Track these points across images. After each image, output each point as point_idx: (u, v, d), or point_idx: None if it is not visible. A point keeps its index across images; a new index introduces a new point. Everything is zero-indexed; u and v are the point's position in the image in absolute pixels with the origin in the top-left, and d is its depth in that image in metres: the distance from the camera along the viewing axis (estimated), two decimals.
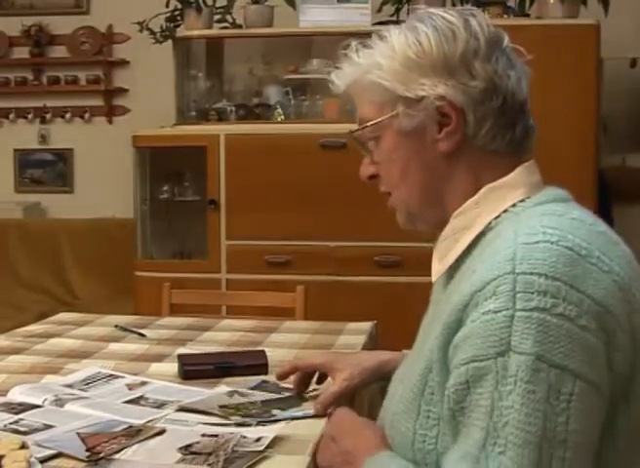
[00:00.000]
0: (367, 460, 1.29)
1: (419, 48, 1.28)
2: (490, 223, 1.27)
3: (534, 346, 1.07)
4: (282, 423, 1.63)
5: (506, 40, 1.32)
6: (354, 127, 1.39)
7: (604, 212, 4.46)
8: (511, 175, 1.29)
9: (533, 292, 1.09)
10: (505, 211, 1.27)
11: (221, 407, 1.71)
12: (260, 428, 1.60)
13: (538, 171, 1.33)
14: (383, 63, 1.30)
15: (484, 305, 1.12)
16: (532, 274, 1.10)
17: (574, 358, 1.07)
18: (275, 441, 1.52)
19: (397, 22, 4.25)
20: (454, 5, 4.32)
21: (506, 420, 1.06)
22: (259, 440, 1.51)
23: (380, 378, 1.66)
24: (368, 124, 1.34)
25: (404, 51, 1.29)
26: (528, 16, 4.27)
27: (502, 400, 1.07)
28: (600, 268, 1.13)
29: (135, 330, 2.47)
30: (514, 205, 1.27)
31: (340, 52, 1.37)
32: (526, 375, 1.06)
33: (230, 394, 1.80)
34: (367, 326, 2.54)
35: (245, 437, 1.53)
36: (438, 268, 1.35)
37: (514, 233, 1.17)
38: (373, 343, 2.43)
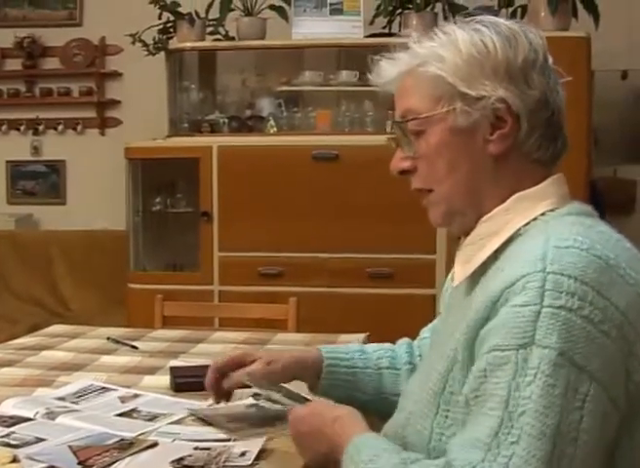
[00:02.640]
0: (350, 443, 1.27)
1: (483, 48, 1.29)
2: (519, 230, 1.28)
3: (558, 342, 1.09)
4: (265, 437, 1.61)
5: (551, 59, 1.34)
6: (398, 118, 1.37)
7: None
8: (543, 184, 1.31)
9: (561, 292, 1.11)
10: (535, 219, 1.28)
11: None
12: (243, 442, 1.59)
13: (565, 183, 1.35)
14: (446, 57, 1.30)
15: (513, 300, 1.14)
16: (562, 275, 1.12)
17: (592, 360, 1.09)
18: (265, 453, 1.52)
19: (389, 35, 4.28)
20: (445, 19, 4.33)
21: (523, 410, 1.07)
22: (243, 454, 1.51)
23: (300, 371, 1.67)
24: (420, 116, 1.32)
25: (468, 48, 1.29)
26: None
27: (520, 390, 1.08)
28: (626, 280, 1.16)
29: (127, 342, 2.47)
30: (543, 214, 1.29)
31: (397, 41, 1.37)
32: (548, 369, 1.08)
33: (250, 407, 1.79)
34: (359, 337, 2.53)
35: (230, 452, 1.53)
36: (461, 273, 1.35)
37: (545, 237, 1.19)
38: None
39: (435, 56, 1.31)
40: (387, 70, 1.37)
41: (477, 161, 1.31)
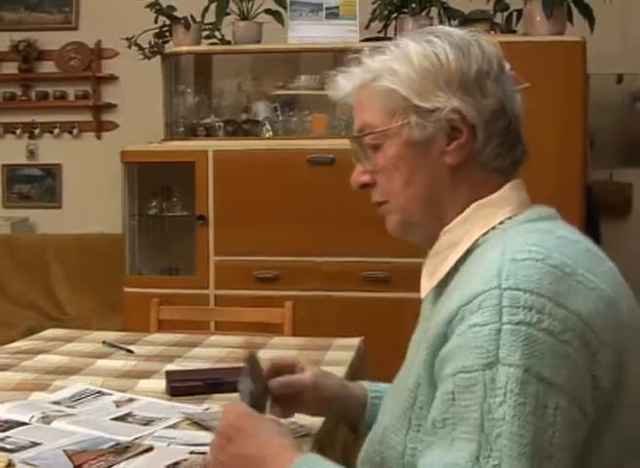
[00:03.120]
0: (294, 463, 1.22)
1: (435, 60, 1.29)
2: (477, 240, 1.28)
3: (522, 359, 1.08)
4: None
5: (508, 66, 1.34)
6: (354, 133, 1.37)
7: (591, 227, 4.49)
8: (499, 192, 1.31)
9: (519, 307, 1.10)
10: (493, 228, 1.28)
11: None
12: None
13: (525, 189, 1.34)
14: (399, 70, 1.30)
15: (470, 319, 1.12)
16: (518, 290, 1.11)
17: (558, 373, 1.08)
18: None
19: (385, 39, 4.28)
20: (441, 22, 4.34)
21: (499, 432, 1.06)
22: None
23: (344, 398, 1.61)
24: (376, 130, 1.33)
25: (421, 61, 1.29)
26: (515, 32, 4.30)
27: (492, 412, 1.07)
28: (585, 286, 1.14)
29: (123, 346, 2.47)
30: (502, 222, 1.28)
31: (349, 56, 1.36)
32: (516, 388, 1.07)
33: None
34: (355, 341, 2.54)
35: None
36: (427, 285, 1.35)
37: (501, 250, 1.18)
38: (360, 359, 2.44)
39: (388, 69, 1.31)
40: (343, 85, 1.37)
41: (434, 172, 1.31)
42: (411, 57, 1.30)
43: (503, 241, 1.21)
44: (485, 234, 1.28)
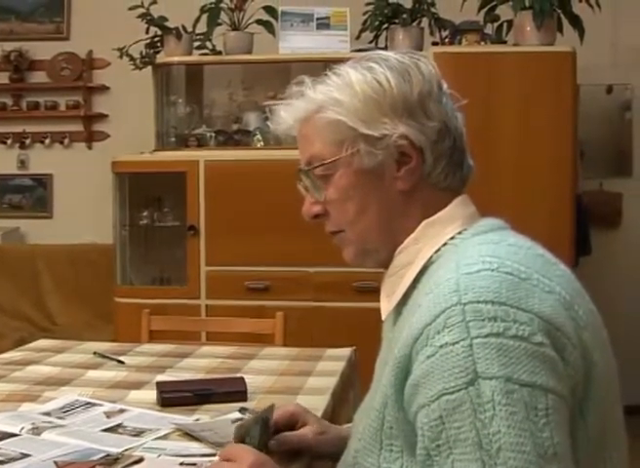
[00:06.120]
0: None
1: (378, 87, 1.29)
2: (431, 257, 1.29)
3: (500, 369, 1.08)
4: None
5: (445, 85, 1.35)
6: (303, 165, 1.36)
7: (582, 237, 4.50)
8: (447, 208, 1.32)
9: (483, 320, 1.10)
10: (445, 244, 1.29)
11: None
12: None
13: (471, 203, 1.35)
14: (343, 100, 1.30)
15: (437, 339, 1.13)
16: (478, 302, 1.12)
17: (539, 374, 1.09)
18: None
19: (376, 49, 4.29)
20: (431, 32, 4.36)
21: (498, 446, 1.06)
22: None
23: (336, 453, 1.56)
24: (326, 161, 1.33)
25: (363, 89, 1.29)
26: (505, 43, 4.31)
27: (487, 427, 1.07)
28: (542, 289, 1.16)
29: (113, 356, 2.46)
30: (453, 237, 1.29)
31: (290, 88, 1.36)
32: (502, 399, 1.07)
33: (235, 421, 1.77)
34: (346, 352, 2.54)
35: None
36: (386, 306, 1.36)
37: (455, 265, 1.19)
38: (351, 369, 2.44)
39: (332, 100, 1.31)
40: (285, 118, 1.37)
41: (387, 199, 1.32)
42: (353, 85, 1.30)
43: (456, 255, 1.23)
44: (438, 251, 1.29)
